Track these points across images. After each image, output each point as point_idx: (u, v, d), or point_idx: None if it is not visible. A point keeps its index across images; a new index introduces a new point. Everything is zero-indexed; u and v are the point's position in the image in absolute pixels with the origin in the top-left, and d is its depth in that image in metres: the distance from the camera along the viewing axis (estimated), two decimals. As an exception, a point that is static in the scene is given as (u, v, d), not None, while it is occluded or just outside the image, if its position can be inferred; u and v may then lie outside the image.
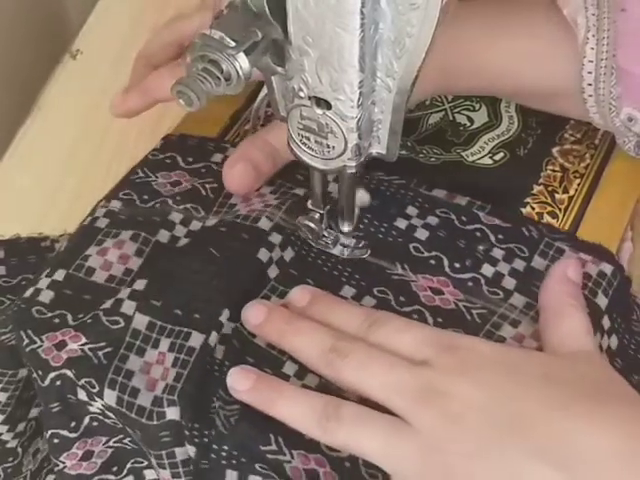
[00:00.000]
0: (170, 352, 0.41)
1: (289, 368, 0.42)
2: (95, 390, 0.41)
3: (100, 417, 0.43)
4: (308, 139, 0.39)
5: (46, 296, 0.44)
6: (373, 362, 0.39)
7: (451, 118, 0.54)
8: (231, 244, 0.45)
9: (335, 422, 0.38)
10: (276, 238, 0.45)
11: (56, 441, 0.43)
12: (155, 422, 0.40)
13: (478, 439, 0.36)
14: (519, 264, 0.45)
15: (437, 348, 0.39)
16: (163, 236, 0.46)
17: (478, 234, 0.46)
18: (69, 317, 0.43)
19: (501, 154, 0.53)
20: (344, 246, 0.46)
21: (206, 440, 0.40)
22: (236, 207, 0.48)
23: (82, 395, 0.42)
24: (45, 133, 0.58)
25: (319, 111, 0.37)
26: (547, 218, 0.49)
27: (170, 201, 0.49)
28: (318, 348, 0.40)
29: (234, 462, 0.39)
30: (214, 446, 0.40)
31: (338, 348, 0.39)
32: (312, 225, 0.46)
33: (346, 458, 0.39)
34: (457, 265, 0.45)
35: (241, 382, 0.40)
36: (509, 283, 0.44)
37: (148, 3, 0.63)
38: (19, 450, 0.46)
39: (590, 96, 0.46)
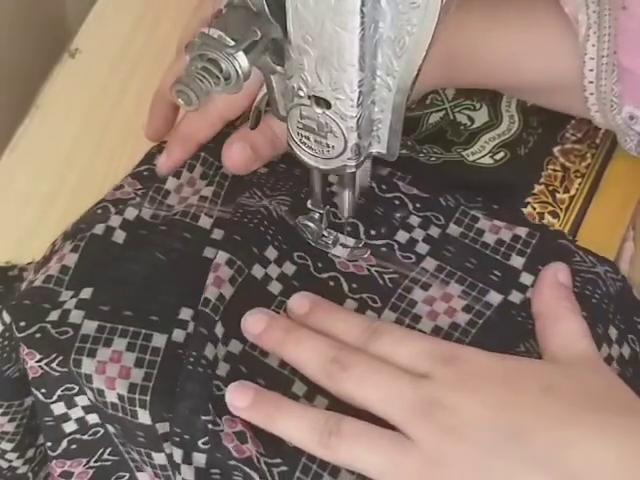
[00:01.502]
0: (129, 352, 0.41)
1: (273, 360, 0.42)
2: (75, 391, 0.42)
3: (78, 436, 0.44)
4: (308, 138, 0.39)
5: None
6: (374, 375, 0.39)
7: (451, 117, 0.54)
8: (174, 245, 0.45)
9: (336, 438, 0.37)
10: (218, 234, 0.45)
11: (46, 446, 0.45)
12: (129, 418, 0.40)
13: (478, 452, 0.36)
14: (434, 231, 0.47)
15: (436, 360, 0.39)
16: (98, 228, 0.46)
17: (397, 202, 0.48)
18: (12, 326, 0.43)
19: (502, 153, 0.52)
20: (344, 246, 0.46)
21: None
22: (169, 196, 0.48)
23: (59, 409, 0.43)
24: (44, 132, 0.57)
25: (319, 110, 0.37)
26: (548, 218, 0.49)
27: (113, 209, 0.47)
28: (319, 359, 0.40)
29: (177, 440, 0.40)
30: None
31: (339, 359, 0.39)
32: (312, 225, 0.46)
33: None
34: (372, 232, 0.47)
35: (240, 399, 0.40)
36: (422, 248, 0.46)
37: (148, 2, 0.63)
38: (30, 475, 0.47)
39: (592, 94, 0.46)
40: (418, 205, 0.48)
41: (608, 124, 0.47)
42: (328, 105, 0.37)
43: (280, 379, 0.41)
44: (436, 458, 0.36)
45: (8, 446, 0.45)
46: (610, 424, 0.36)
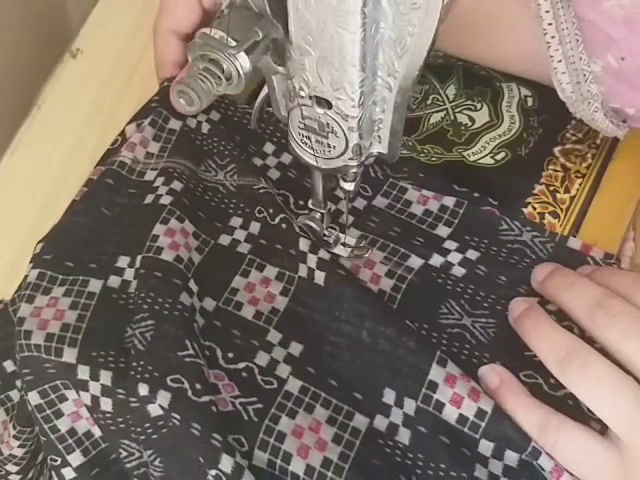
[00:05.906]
0: (65, 297, 0.44)
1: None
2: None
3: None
4: (309, 139, 0.39)
5: None
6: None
7: (452, 118, 0.54)
8: (118, 200, 0.48)
9: (580, 369, 0.38)
10: (159, 181, 0.47)
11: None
12: (53, 357, 0.42)
13: None
14: (360, 203, 0.49)
15: None
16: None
17: None
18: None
19: (502, 154, 0.53)
20: (345, 246, 0.46)
21: (122, 365, 0.42)
22: (121, 151, 0.50)
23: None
24: (45, 133, 0.57)
25: (320, 110, 0.37)
26: (549, 218, 0.49)
27: None
28: (587, 302, 0.40)
29: (147, 376, 0.41)
30: (133, 363, 0.42)
31: (606, 305, 0.39)
32: (313, 225, 0.46)
33: (242, 369, 0.42)
34: (301, 202, 0.49)
35: (519, 308, 0.43)
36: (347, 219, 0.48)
37: (149, 2, 0.63)
38: None
39: (560, 62, 0.46)
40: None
41: (574, 92, 0.47)
42: (329, 105, 0.37)
43: (255, 329, 0.44)
44: None
45: (13, 468, 0.46)
46: None
